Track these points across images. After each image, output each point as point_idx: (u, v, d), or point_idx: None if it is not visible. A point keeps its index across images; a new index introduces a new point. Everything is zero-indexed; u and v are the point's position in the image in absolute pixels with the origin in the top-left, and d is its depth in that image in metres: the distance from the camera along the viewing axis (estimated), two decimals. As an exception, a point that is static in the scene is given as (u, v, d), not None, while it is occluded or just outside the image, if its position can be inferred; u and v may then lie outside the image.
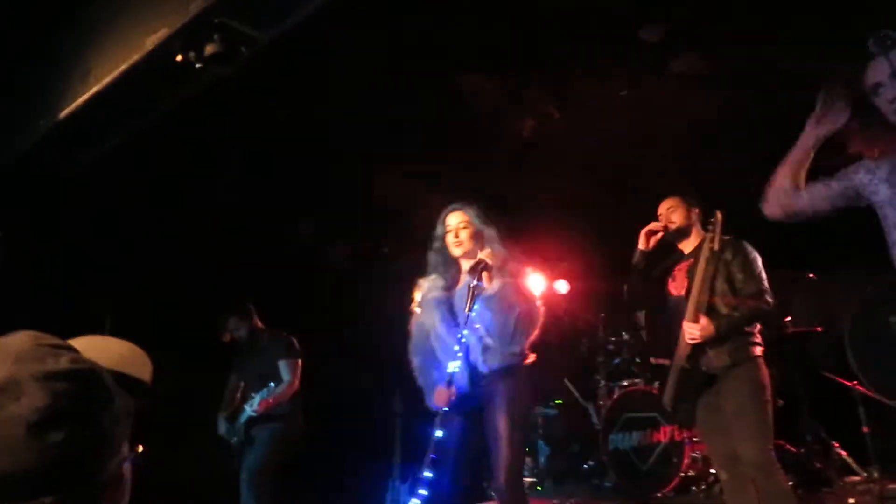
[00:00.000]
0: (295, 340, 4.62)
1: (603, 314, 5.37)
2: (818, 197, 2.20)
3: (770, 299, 3.05)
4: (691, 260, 3.27)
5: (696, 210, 3.38)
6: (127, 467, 0.77)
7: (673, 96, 4.62)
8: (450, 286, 3.10)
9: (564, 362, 5.72)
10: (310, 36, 3.02)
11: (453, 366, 2.93)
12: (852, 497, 3.46)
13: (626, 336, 5.20)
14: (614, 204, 5.37)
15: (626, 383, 4.94)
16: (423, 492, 2.81)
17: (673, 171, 4.75)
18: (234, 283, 5.22)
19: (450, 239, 3.09)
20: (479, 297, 2.96)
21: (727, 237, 3.21)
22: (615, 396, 4.85)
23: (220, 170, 4.88)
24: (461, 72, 4.70)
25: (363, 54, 4.07)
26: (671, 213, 3.35)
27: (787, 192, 2.23)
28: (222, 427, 4.63)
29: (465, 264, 3.11)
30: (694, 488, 4.17)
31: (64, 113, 3.16)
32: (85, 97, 3.01)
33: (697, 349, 3.07)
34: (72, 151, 3.55)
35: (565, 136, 5.16)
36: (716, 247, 3.06)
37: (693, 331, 3.03)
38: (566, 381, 5.75)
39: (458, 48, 4.32)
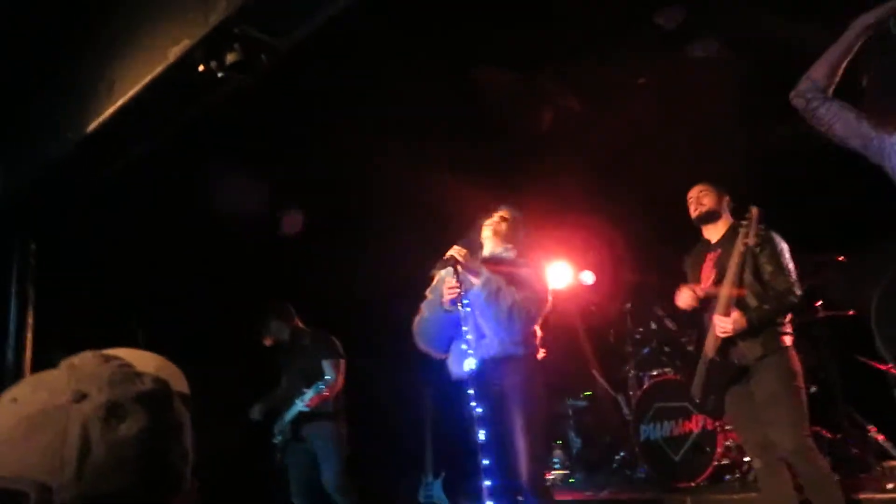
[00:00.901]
0: (337, 340, 4.68)
1: (629, 304, 5.34)
2: (842, 119, 2.11)
3: (798, 292, 3.05)
4: (719, 251, 3.26)
5: (727, 198, 3.37)
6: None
7: (693, 82, 4.58)
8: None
9: (592, 353, 5.70)
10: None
11: (468, 364, 3.00)
12: (891, 482, 3.41)
13: (653, 325, 5.17)
14: (639, 193, 5.33)
15: (655, 373, 4.90)
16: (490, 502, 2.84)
17: (697, 159, 4.70)
18: (267, 285, 5.29)
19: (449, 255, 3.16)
20: (468, 292, 3.03)
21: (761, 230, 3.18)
22: (645, 386, 4.82)
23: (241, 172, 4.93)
24: (479, 65, 4.70)
25: (380, 45, 4.09)
26: (703, 196, 3.34)
27: (817, 86, 2.15)
28: (256, 412, 4.70)
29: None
30: (728, 477, 4.14)
31: (91, 126, 3.23)
32: (111, 110, 3.07)
33: (727, 341, 3.07)
34: (101, 162, 3.63)
35: (589, 127, 5.14)
36: (751, 242, 3.02)
37: (725, 324, 3.02)
38: (595, 371, 5.73)
39: (474, 40, 4.32)
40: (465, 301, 3.02)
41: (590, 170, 5.32)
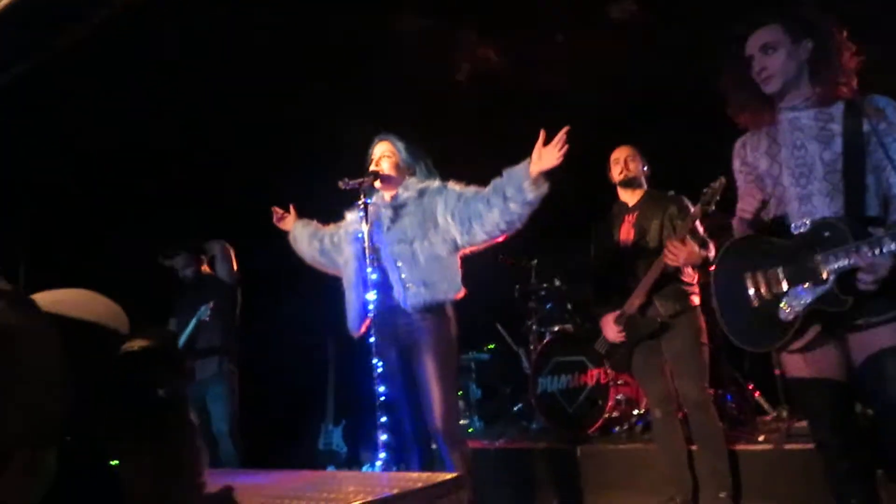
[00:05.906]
0: (238, 290, 4.52)
1: (535, 260, 5.41)
2: (755, 205, 2.18)
3: (713, 248, 3.23)
4: (637, 213, 3.43)
5: (647, 167, 3.54)
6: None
7: (611, 45, 4.59)
8: (370, 219, 3.00)
9: (496, 308, 5.77)
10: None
11: (370, 296, 2.91)
12: (762, 434, 3.66)
13: (557, 282, 5.28)
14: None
15: (556, 328, 5.03)
16: (382, 455, 2.81)
17: (608, 120, 4.75)
18: (165, 219, 5.00)
19: (371, 169, 3.04)
20: (379, 220, 2.98)
21: (671, 193, 3.39)
22: (545, 341, 4.94)
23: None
24: (396, 11, 4.54)
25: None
26: (630, 161, 3.45)
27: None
28: None
29: (385, 195, 3.07)
30: (617, 428, 4.33)
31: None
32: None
33: (647, 301, 3.28)
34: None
35: (504, 81, 5.10)
36: (710, 209, 3.13)
37: (679, 251, 3.08)
38: (498, 326, 5.82)
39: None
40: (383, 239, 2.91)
41: (502, 122, 5.29)
